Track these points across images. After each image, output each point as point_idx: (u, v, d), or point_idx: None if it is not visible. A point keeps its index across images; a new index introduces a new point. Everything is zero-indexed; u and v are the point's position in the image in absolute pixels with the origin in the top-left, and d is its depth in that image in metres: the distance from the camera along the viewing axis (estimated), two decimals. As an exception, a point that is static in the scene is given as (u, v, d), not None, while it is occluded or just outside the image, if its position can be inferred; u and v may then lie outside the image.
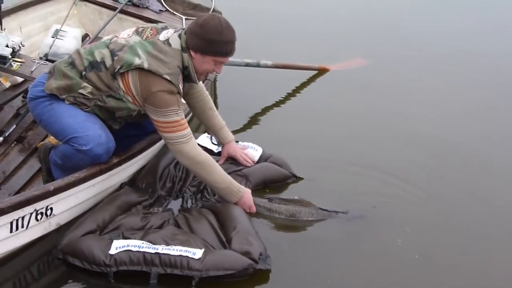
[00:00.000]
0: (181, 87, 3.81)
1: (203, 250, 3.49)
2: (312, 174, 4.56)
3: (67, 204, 3.72)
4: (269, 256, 3.60)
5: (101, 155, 3.77)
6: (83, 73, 3.78)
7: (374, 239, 4.02)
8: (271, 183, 4.39)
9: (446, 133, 5.41)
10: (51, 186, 3.58)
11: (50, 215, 3.63)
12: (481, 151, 5.20)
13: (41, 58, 5.01)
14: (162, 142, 4.26)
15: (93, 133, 3.75)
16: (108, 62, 3.75)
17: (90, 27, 5.93)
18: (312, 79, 6.24)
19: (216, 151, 4.45)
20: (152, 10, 5.92)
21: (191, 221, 3.79)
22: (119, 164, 3.95)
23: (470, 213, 4.41)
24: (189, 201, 4.10)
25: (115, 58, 3.74)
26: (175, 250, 3.45)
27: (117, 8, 5.75)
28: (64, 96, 3.80)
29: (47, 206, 3.58)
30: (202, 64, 3.84)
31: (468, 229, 4.26)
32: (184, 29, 3.89)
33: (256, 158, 4.47)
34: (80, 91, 3.78)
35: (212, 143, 4.50)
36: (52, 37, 5.21)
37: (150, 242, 3.53)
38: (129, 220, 3.77)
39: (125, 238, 3.59)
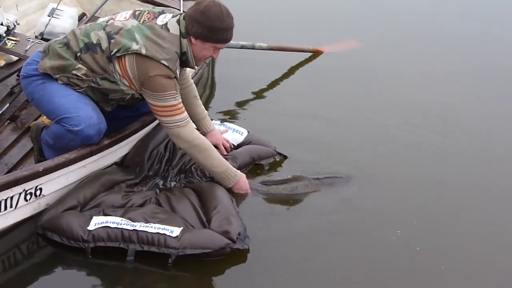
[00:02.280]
0: (178, 73, 3.84)
1: (181, 228, 3.51)
2: (303, 150, 4.66)
3: (57, 185, 3.75)
4: (248, 236, 3.61)
5: (92, 136, 3.80)
6: (78, 54, 3.80)
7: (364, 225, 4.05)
8: (258, 159, 4.44)
9: (442, 112, 5.50)
10: (40, 166, 3.60)
11: (39, 195, 3.66)
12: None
13: (36, 37, 5.02)
14: (153, 123, 4.30)
15: (85, 114, 3.78)
16: (104, 44, 3.77)
17: (87, 6, 5.93)
18: (306, 61, 6.28)
19: (237, 142, 4.53)
20: (149, -10, 5.93)
21: (173, 200, 3.83)
22: (110, 145, 3.97)
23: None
24: (173, 182, 4.12)
25: (112, 41, 3.75)
26: (153, 228, 3.48)
27: (114, -13, 5.76)
28: (57, 76, 3.82)
29: (36, 187, 3.61)
30: (202, 51, 3.88)
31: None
32: (181, 13, 3.90)
33: (239, 141, 4.51)
34: (74, 72, 3.80)
35: None
36: (48, 15, 5.20)
37: (130, 219, 3.57)
38: (111, 198, 3.81)
39: (105, 215, 3.63)
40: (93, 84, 3.83)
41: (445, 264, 3.70)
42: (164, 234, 3.46)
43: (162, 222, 3.58)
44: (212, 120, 4.47)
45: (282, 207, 4.10)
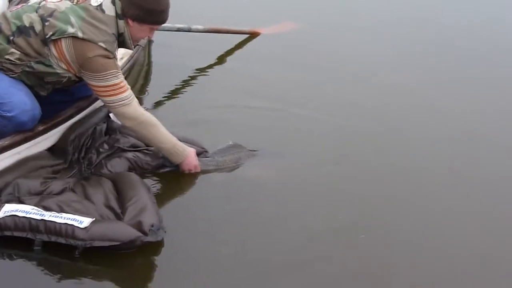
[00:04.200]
0: (116, 54, 3.82)
1: (92, 219, 3.41)
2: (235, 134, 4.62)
3: (-9, 171, 3.68)
4: (161, 228, 3.49)
5: (25, 123, 3.74)
6: (11, 38, 3.72)
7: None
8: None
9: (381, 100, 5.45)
10: (-29, 154, 3.53)
11: (-28, 183, 3.59)
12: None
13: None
14: (89, 109, 4.25)
15: (18, 99, 3.71)
16: (38, 27, 3.70)
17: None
18: (243, 43, 6.28)
19: None
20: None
21: (88, 189, 3.72)
22: (44, 131, 3.91)
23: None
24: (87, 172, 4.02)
25: (46, 24, 3.69)
26: (61, 218, 3.39)
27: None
28: None
29: (-32, 174, 3.55)
30: (139, 32, 3.89)
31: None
32: None
33: None
34: (7, 56, 3.72)
35: None
36: (-24, -1, 5.08)
37: (45, 207, 3.48)
38: (28, 184, 3.68)
39: (20, 202, 3.54)
40: (27, 69, 3.76)
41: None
42: (72, 225, 3.35)
43: (75, 211, 3.48)
44: None
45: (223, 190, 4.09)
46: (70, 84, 3.95)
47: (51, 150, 4.05)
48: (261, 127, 4.82)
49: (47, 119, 3.92)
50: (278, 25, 6.55)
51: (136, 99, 3.94)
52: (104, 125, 4.22)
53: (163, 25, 4.19)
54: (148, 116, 3.95)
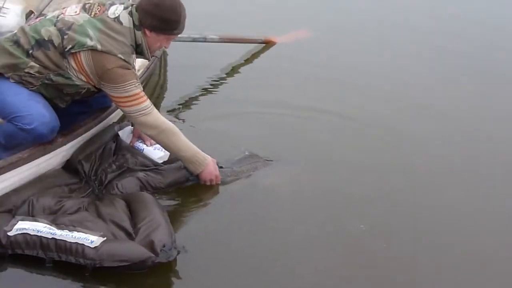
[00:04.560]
0: (135, 65, 3.86)
1: (103, 238, 3.37)
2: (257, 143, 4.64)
3: (11, 185, 3.69)
4: (174, 247, 3.43)
5: (45, 135, 3.75)
6: (30, 51, 3.74)
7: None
8: (188, 180, 4.16)
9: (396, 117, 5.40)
10: (-7, 166, 3.54)
11: (-7, 195, 3.60)
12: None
13: (-18, 38, 4.93)
14: (107, 120, 4.27)
15: (37, 112, 3.73)
16: (57, 40, 3.72)
17: (34, 4, 5.80)
18: (259, 52, 6.28)
19: (158, 159, 4.20)
20: (97, -15, 5.83)
21: (101, 209, 3.68)
22: (63, 143, 3.93)
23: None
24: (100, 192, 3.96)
25: (65, 37, 3.71)
26: (72, 237, 3.35)
27: (62, -17, 5.66)
28: (9, 75, 3.75)
29: (-11, 187, 3.56)
30: (156, 42, 3.91)
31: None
32: (133, 4, 3.88)
33: (162, 158, 4.20)
34: (26, 70, 3.74)
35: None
36: (-6, 14, 5.13)
37: (57, 225, 3.45)
38: (43, 202, 3.67)
39: (34, 220, 3.50)
40: (46, 81, 3.78)
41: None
42: (83, 244, 3.32)
43: (87, 231, 3.43)
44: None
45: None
46: (89, 95, 3.98)
47: (66, 168, 4.04)
48: (275, 134, 4.83)
49: (66, 131, 3.94)
50: (292, 33, 6.54)
51: (155, 109, 3.95)
52: (114, 144, 4.18)
53: (178, 35, 4.22)
54: (169, 124, 3.97)
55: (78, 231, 3.41)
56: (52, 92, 3.84)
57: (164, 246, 3.39)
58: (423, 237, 3.84)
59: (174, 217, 3.80)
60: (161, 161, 4.18)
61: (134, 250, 3.37)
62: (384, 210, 4.03)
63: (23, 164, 3.69)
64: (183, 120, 4.93)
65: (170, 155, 4.17)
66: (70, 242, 3.34)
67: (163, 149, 4.16)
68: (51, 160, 3.91)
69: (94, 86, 3.85)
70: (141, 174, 4.03)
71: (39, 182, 3.80)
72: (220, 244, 3.67)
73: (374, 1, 7.85)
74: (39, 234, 3.36)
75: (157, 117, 3.92)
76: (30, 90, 3.78)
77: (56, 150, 3.90)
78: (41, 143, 3.77)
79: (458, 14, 7.44)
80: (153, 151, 4.21)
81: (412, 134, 4.96)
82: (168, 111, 5.08)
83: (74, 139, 4.02)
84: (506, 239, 3.88)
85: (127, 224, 3.58)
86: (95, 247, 3.32)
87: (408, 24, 7.16)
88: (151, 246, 3.38)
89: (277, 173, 4.32)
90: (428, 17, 7.38)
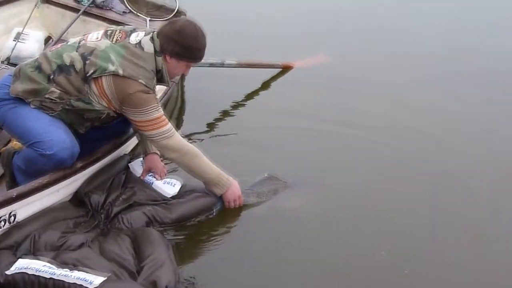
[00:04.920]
0: (155, 89, 3.86)
1: (104, 278, 3.27)
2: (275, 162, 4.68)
3: (31, 210, 3.68)
4: (177, 287, 3.39)
5: (65, 160, 3.74)
6: (51, 76, 3.75)
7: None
8: (201, 214, 4.10)
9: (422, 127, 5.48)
10: (14, 192, 3.54)
11: (13, 221, 3.59)
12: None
13: (2, 62, 4.97)
14: (125, 145, 4.26)
15: (57, 137, 3.72)
16: (78, 66, 3.73)
17: (53, 30, 5.85)
18: (277, 76, 6.30)
19: (170, 195, 4.13)
20: (115, 12, 5.84)
21: (105, 246, 3.61)
22: (83, 168, 3.92)
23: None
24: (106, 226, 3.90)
25: (87, 62, 3.72)
26: (71, 277, 3.27)
27: (80, 10, 5.67)
28: (29, 100, 3.76)
29: (10, 213, 3.54)
30: (176, 68, 3.93)
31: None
32: (154, 31, 3.91)
33: (172, 193, 4.13)
34: (47, 95, 3.75)
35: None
36: (14, 40, 5.16)
37: (59, 263, 3.38)
38: (46, 238, 3.60)
39: (35, 257, 3.44)
40: (67, 106, 3.78)
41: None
42: (81, 285, 3.23)
43: (89, 270, 3.35)
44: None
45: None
46: (109, 121, 3.98)
47: (73, 200, 3.98)
48: (295, 156, 4.87)
49: (85, 156, 3.92)
50: (310, 58, 6.56)
51: (177, 132, 3.97)
52: (123, 176, 4.14)
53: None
54: (191, 147, 3.99)
55: (79, 270, 3.33)
56: (73, 118, 3.84)
57: (166, 286, 3.33)
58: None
59: (184, 252, 3.76)
60: (170, 196, 4.12)
61: None
62: (420, 237, 4.01)
63: (43, 189, 3.68)
64: (201, 141, 4.98)
65: (180, 190, 4.13)
66: (69, 282, 3.26)
67: (174, 184, 4.15)
68: (71, 185, 3.91)
69: (114, 111, 3.85)
70: (148, 208, 3.97)
71: (44, 216, 3.74)
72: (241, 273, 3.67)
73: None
74: (37, 273, 3.29)
75: (179, 140, 3.94)
76: (51, 115, 3.79)
77: (76, 176, 3.89)
78: (61, 168, 3.76)
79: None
80: (163, 185, 4.17)
81: (441, 157, 4.96)
82: (186, 135, 5.07)
83: (94, 164, 4.01)
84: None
85: (130, 263, 3.51)
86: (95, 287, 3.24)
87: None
88: (154, 285, 3.33)
89: (298, 195, 4.32)
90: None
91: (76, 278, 3.26)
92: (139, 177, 4.18)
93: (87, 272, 3.32)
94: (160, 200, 4.07)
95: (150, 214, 3.95)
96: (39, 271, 3.30)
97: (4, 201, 3.47)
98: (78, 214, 3.87)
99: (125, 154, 4.33)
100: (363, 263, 3.77)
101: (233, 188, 4.09)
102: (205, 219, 4.04)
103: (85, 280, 3.26)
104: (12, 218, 3.58)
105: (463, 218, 4.22)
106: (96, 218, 3.90)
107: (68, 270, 3.32)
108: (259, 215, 4.12)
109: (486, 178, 4.73)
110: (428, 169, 4.81)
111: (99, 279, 3.26)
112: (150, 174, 4.22)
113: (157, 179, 4.19)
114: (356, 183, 4.53)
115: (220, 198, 4.14)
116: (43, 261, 3.39)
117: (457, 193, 4.49)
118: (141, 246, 3.62)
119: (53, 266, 3.34)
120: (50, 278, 3.27)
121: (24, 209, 3.63)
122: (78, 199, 3.97)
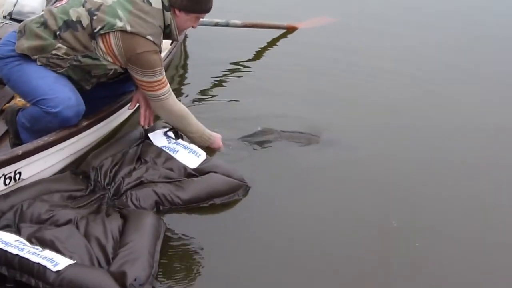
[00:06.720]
0: (161, 46, 3.84)
1: (71, 262, 3.06)
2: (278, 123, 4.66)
3: (36, 168, 3.66)
4: (147, 283, 3.11)
5: (70, 118, 3.70)
6: (57, 33, 3.69)
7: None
8: (216, 196, 3.85)
9: (420, 100, 5.35)
10: (19, 150, 3.50)
11: (18, 179, 3.56)
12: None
13: (4, 17, 4.86)
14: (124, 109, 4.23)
15: (63, 95, 3.68)
16: (85, 21, 3.67)
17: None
18: (281, 36, 6.26)
19: (192, 168, 3.93)
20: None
21: (90, 227, 3.40)
22: (88, 127, 3.89)
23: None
24: (109, 204, 3.71)
25: (94, 18, 3.67)
26: (37, 256, 3.06)
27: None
28: (36, 57, 3.71)
29: (15, 171, 3.52)
30: (186, 22, 3.92)
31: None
32: None
33: (195, 165, 3.96)
34: (54, 52, 3.69)
35: (168, 135, 4.14)
36: (16, -5, 5.06)
37: (37, 239, 3.22)
38: (32, 210, 3.44)
39: (18, 229, 3.31)
40: (74, 62, 3.73)
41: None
42: (45, 266, 3.02)
43: (64, 250, 3.16)
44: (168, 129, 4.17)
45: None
46: (115, 77, 3.93)
47: (77, 173, 3.85)
48: (297, 116, 4.83)
49: (90, 115, 3.89)
50: (315, 19, 6.51)
51: (173, 93, 3.97)
52: (138, 148, 4.04)
53: (200, 20, 4.18)
54: (183, 109, 4.04)
55: (50, 250, 3.15)
56: (80, 74, 3.79)
57: (135, 280, 3.08)
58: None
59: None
60: (192, 167, 3.94)
61: (101, 280, 3.04)
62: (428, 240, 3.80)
63: (48, 147, 3.65)
64: (199, 102, 5.00)
65: (203, 163, 3.97)
66: (33, 261, 3.05)
67: (199, 155, 4.02)
68: (76, 144, 3.88)
69: (121, 67, 3.81)
70: (159, 186, 3.78)
71: (35, 186, 3.63)
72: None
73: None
74: (5, 248, 3.10)
75: (173, 103, 3.97)
76: (58, 72, 3.73)
77: (81, 134, 3.86)
78: (66, 126, 3.72)
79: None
80: (188, 154, 4.01)
81: (454, 158, 4.63)
82: (186, 96, 5.10)
83: (99, 122, 3.99)
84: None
85: (109, 248, 3.29)
86: (58, 271, 3.02)
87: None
88: (121, 277, 3.08)
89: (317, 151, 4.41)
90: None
91: (42, 258, 3.07)
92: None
93: (56, 253, 3.13)
94: (174, 179, 3.85)
95: (161, 192, 3.74)
96: (9, 245, 3.12)
97: (10, 159, 3.44)
98: (75, 188, 3.73)
99: (138, 127, 4.23)
100: (374, 231, 3.73)
101: (213, 144, 4.17)
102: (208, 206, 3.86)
103: (50, 261, 3.06)
104: (18, 176, 3.55)
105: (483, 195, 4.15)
106: (103, 192, 3.77)
107: (39, 249, 3.13)
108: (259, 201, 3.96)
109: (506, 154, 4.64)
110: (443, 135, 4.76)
111: (65, 262, 3.07)
112: (175, 142, 4.11)
113: (182, 148, 4.07)
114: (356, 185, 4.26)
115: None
116: (18, 235, 3.23)
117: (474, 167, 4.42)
118: (126, 231, 3.39)
119: (25, 243, 3.18)
120: (17, 254, 3.08)
121: (29, 167, 3.60)
122: (81, 171, 3.87)
